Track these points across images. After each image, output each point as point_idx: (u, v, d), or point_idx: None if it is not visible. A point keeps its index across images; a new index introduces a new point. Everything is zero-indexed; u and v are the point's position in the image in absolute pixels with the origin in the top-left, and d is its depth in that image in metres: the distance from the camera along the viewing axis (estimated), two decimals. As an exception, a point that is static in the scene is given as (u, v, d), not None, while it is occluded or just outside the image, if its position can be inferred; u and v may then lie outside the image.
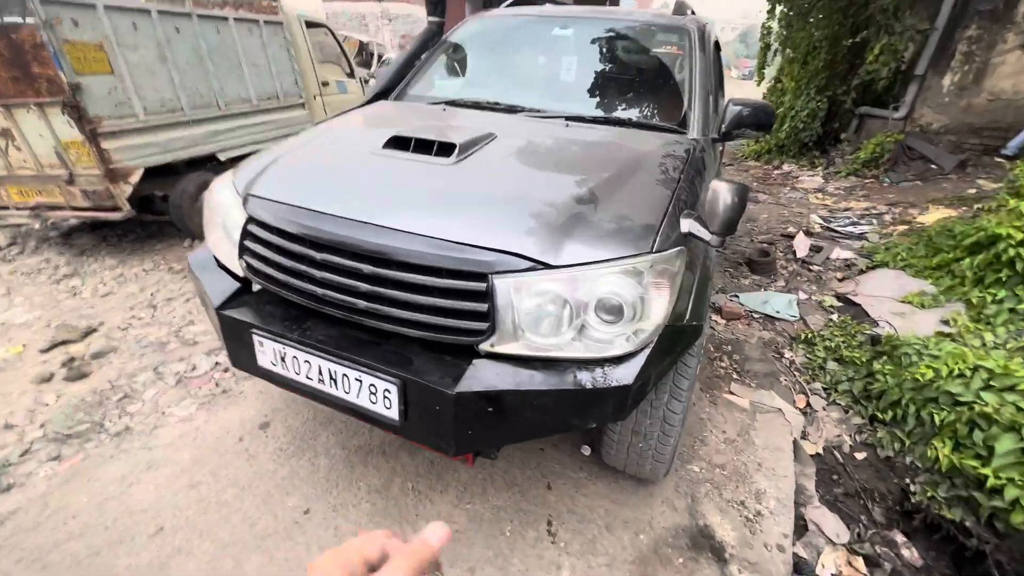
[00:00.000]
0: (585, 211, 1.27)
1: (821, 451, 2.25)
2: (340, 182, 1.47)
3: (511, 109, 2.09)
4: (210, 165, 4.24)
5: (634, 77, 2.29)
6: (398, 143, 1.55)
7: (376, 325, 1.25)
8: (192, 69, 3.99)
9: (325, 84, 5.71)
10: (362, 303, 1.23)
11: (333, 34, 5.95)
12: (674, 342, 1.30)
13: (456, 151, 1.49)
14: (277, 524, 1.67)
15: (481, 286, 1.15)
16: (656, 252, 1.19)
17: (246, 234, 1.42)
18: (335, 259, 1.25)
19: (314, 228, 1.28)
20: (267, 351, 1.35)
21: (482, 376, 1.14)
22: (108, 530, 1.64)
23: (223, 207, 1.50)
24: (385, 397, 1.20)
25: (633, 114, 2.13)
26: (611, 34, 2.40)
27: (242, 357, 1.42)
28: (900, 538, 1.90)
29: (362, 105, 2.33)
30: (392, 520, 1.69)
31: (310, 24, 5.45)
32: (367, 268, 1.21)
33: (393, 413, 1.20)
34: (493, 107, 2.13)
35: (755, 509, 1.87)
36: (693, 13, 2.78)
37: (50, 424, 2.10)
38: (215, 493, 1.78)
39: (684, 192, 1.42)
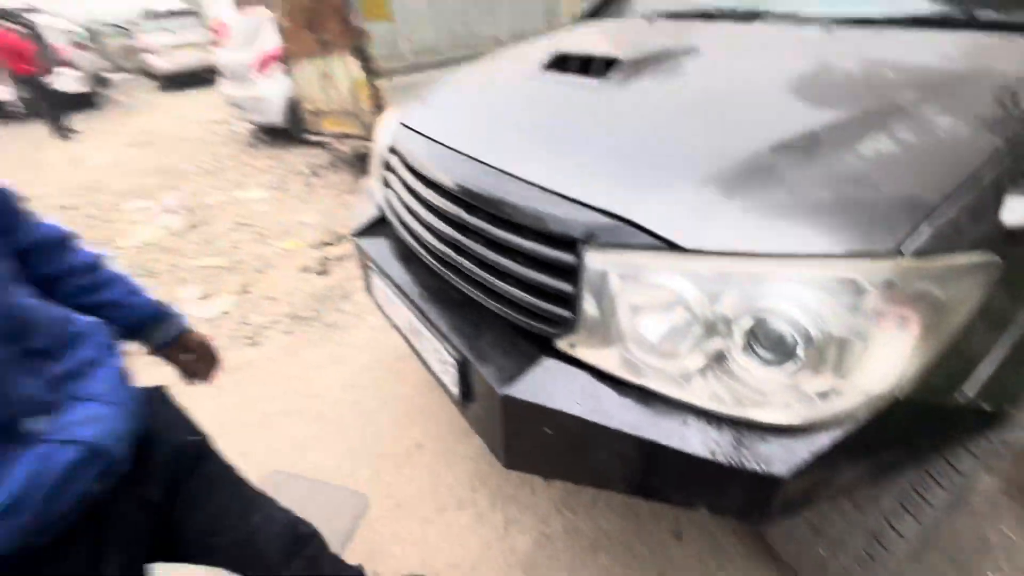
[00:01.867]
0: (779, 163, 0.73)
1: None
2: (466, 110, 1.26)
3: (749, 16, 1.45)
4: None
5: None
6: (559, 63, 1.24)
7: (459, 284, 1.04)
8: (452, 11, 4.30)
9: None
10: (452, 253, 1.04)
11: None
12: (917, 428, 0.69)
13: (614, 69, 1.08)
14: (395, 448, 1.75)
15: (567, 257, 0.79)
16: (911, 255, 0.60)
17: (386, 164, 1.37)
18: (430, 196, 1.07)
19: (418, 157, 1.13)
20: (376, 286, 1.31)
21: (544, 382, 0.81)
22: (288, 400, 2.01)
23: (380, 134, 1.49)
24: (449, 369, 1.00)
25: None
26: None
27: (368, 285, 1.43)
28: None
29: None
30: (479, 482, 1.57)
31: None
32: (452, 211, 1.00)
33: (454, 390, 1.00)
34: (728, 14, 1.51)
35: None
36: None
37: (293, 306, 2.69)
38: (366, 399, 1.98)
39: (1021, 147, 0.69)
